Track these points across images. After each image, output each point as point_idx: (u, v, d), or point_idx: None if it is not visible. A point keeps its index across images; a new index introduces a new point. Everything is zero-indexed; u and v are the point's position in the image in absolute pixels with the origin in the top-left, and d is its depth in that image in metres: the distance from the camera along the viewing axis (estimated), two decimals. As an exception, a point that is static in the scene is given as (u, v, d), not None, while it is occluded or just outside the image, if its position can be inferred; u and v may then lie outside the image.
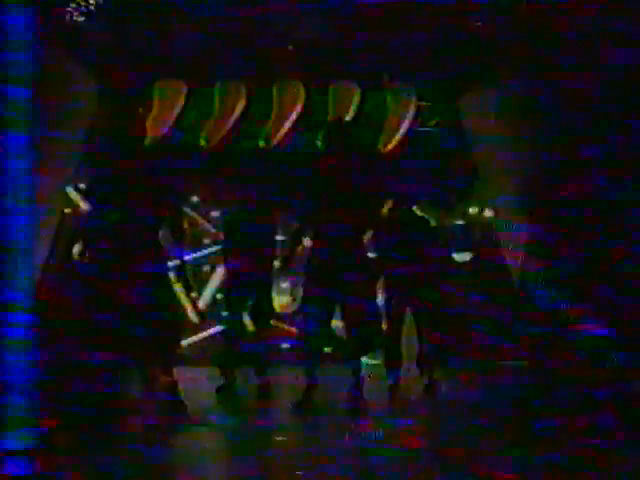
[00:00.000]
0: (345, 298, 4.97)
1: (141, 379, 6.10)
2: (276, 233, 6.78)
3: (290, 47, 9.57)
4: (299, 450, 3.94)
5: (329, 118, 9.77)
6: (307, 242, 5.24)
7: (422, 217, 7.05)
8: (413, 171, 9.77)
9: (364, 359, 5.39)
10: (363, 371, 5.14)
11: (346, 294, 4.95)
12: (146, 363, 6.06)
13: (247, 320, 6.84)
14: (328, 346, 5.20)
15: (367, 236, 5.51)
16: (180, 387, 4.89)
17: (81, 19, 8.23)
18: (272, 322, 6.85)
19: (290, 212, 5.34)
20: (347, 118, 9.79)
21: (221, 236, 6.95)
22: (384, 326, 6.61)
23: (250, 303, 6.53)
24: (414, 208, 6.70)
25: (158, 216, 4.91)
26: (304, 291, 5.14)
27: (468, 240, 10.26)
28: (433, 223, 7.35)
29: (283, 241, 7.30)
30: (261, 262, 6.44)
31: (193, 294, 10.07)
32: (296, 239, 5.26)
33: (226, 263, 6.61)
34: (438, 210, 10.20)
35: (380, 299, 6.43)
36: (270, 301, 6.67)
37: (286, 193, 5.48)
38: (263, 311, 6.55)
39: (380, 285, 6.51)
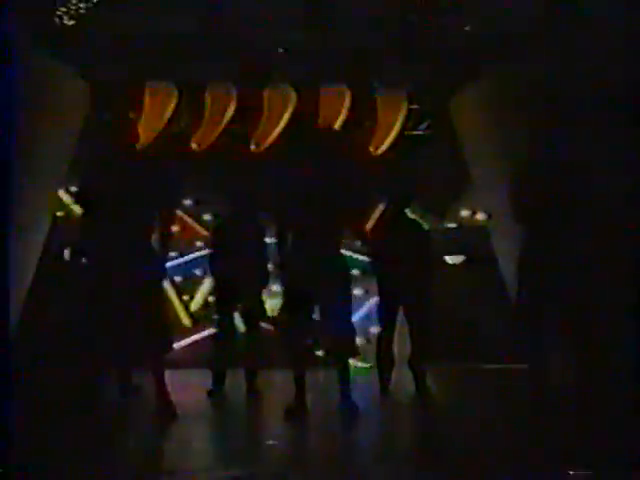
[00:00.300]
0: (322, 302, 4.97)
1: (130, 382, 6.13)
2: (266, 236, 6.77)
3: (281, 50, 9.58)
4: (291, 454, 3.93)
5: (315, 127, 9.72)
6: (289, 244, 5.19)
7: (414, 220, 7.05)
8: (405, 174, 9.79)
9: (352, 362, 5.37)
10: (351, 374, 5.11)
11: (322, 298, 4.95)
12: (137, 366, 6.09)
13: (238, 323, 6.83)
14: (311, 349, 5.15)
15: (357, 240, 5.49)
16: (170, 390, 4.87)
17: (72, 22, 8.23)
18: (263, 325, 6.84)
19: (276, 215, 5.30)
20: (334, 127, 9.79)
21: (212, 238, 6.94)
22: (378, 328, 6.63)
23: (241, 306, 6.53)
24: (406, 211, 6.70)
25: (150, 219, 4.89)
26: (283, 293, 5.13)
27: (461, 243, 10.29)
28: (425, 226, 7.36)
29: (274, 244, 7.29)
30: (252, 264, 6.45)
31: (185, 297, 10.08)
32: (282, 242, 5.23)
33: (217, 265, 6.59)
34: (430, 213, 10.24)
35: (374, 302, 6.44)
36: (261, 304, 6.66)
37: (277, 196, 5.47)
38: (254, 314, 6.55)
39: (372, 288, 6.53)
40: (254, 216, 6.76)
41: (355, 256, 8.29)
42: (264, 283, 6.65)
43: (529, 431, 4.45)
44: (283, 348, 5.11)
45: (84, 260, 4.78)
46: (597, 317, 5.56)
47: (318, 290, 4.94)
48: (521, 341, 5.64)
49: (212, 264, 6.66)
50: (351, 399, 4.93)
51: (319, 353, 7.11)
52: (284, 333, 5.14)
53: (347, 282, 5.11)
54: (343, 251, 5.24)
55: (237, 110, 10.36)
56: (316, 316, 5.09)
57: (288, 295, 5.07)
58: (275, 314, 8.46)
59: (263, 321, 6.78)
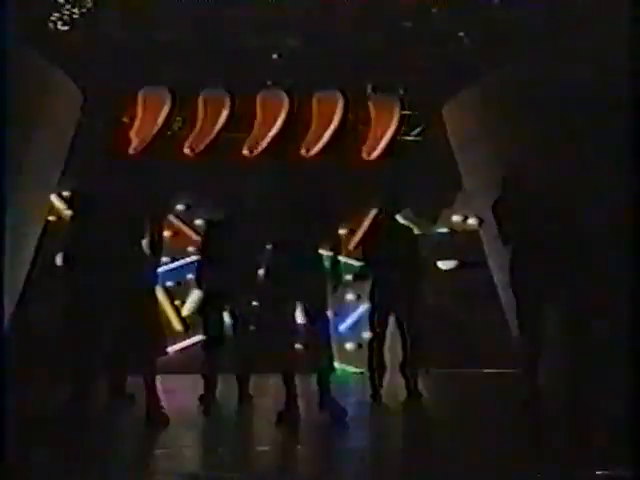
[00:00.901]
0: (302, 304, 4.99)
1: (121, 388, 6.13)
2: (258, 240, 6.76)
3: (274, 56, 9.62)
4: (282, 460, 3.94)
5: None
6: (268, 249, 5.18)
7: (406, 225, 7.08)
8: (397, 179, 9.81)
9: (339, 366, 5.35)
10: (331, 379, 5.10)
11: (303, 302, 4.97)
12: (129, 371, 6.09)
13: (228, 328, 6.82)
14: (293, 353, 5.13)
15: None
16: (162, 395, 4.88)
17: (65, 28, 8.25)
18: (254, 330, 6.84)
19: (265, 221, 5.31)
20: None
21: (203, 243, 6.94)
22: (369, 334, 6.63)
23: (231, 310, 6.53)
24: (397, 216, 6.73)
25: (141, 225, 4.89)
26: (262, 297, 5.12)
27: (453, 248, 10.32)
28: (416, 231, 7.38)
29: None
30: (244, 270, 6.46)
31: (177, 302, 10.08)
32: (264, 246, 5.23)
33: (208, 271, 6.58)
34: (422, 218, 10.26)
35: (365, 307, 6.45)
36: (252, 309, 6.66)
37: (268, 201, 5.47)
38: (245, 319, 6.55)
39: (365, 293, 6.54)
40: (246, 221, 6.77)
41: (348, 261, 8.30)
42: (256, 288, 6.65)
43: (522, 435, 4.46)
44: (263, 350, 5.12)
45: (76, 265, 4.75)
46: (591, 320, 5.60)
47: (298, 293, 4.95)
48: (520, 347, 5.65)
49: (203, 269, 6.64)
50: (336, 403, 4.93)
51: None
52: (264, 335, 5.15)
53: (325, 286, 5.12)
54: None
55: (230, 115, 10.37)
56: (297, 319, 5.09)
57: (268, 297, 5.07)
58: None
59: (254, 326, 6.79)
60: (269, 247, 5.10)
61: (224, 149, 10.36)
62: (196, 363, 6.88)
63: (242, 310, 6.52)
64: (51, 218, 9.82)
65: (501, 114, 9.03)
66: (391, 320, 6.52)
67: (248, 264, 6.50)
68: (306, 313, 5.00)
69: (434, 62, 9.41)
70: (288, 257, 4.96)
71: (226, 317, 6.61)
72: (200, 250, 6.93)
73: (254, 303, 6.70)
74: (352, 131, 10.60)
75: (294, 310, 4.99)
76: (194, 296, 9.68)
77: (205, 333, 6.54)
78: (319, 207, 5.03)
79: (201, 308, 6.82)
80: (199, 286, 6.74)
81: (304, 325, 5.05)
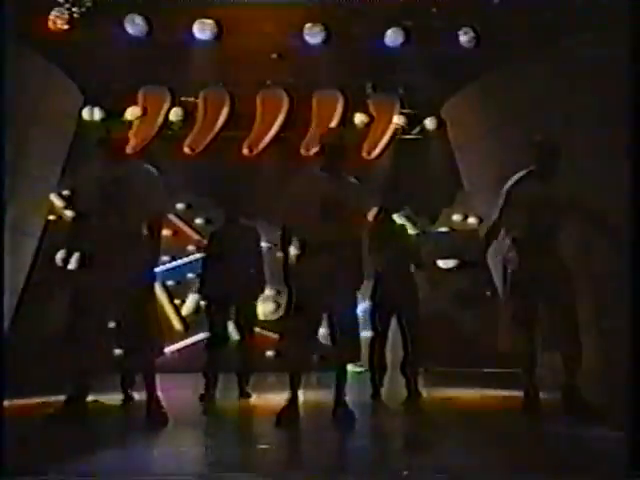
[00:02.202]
0: (330, 307, 4.91)
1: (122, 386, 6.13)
2: (260, 241, 6.77)
3: (274, 55, 9.61)
4: (283, 459, 3.93)
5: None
6: (293, 250, 5.14)
7: (404, 225, 7.08)
8: (397, 179, 9.81)
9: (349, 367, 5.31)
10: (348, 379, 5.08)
11: (331, 303, 4.89)
12: (129, 370, 6.08)
13: (231, 327, 6.83)
14: (313, 354, 5.11)
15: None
16: (162, 394, 4.87)
17: (65, 28, 8.25)
18: (256, 330, 6.85)
19: (274, 220, 5.26)
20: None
21: (205, 243, 6.95)
22: (370, 333, 6.63)
23: (234, 310, 6.53)
24: (395, 216, 6.72)
25: (140, 224, 4.89)
26: (289, 300, 5.04)
27: (453, 248, 10.32)
28: (411, 231, 7.37)
29: (269, 249, 7.28)
30: (245, 269, 6.47)
31: (177, 301, 10.08)
32: (282, 247, 5.14)
33: (209, 270, 6.59)
34: (422, 217, 10.26)
35: (365, 307, 6.45)
36: (254, 308, 6.67)
37: (270, 201, 5.46)
38: (247, 319, 6.56)
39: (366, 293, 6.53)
40: (249, 221, 6.80)
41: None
42: (259, 289, 6.66)
43: (521, 435, 4.46)
44: (287, 356, 5.07)
45: (75, 264, 4.75)
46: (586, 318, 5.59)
47: (332, 297, 4.87)
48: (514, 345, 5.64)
49: (207, 270, 6.64)
50: (346, 405, 4.92)
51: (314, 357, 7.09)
52: (291, 342, 5.05)
53: (359, 286, 5.07)
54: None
55: (230, 115, 10.37)
56: (323, 322, 5.03)
57: (297, 303, 4.96)
58: (280, 321, 8.46)
59: (256, 325, 6.82)
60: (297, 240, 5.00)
61: (224, 148, 10.36)
62: (196, 362, 6.89)
63: (246, 311, 6.54)
64: (51, 218, 9.82)
65: (501, 113, 9.02)
66: (392, 319, 6.52)
67: (253, 264, 6.53)
68: (333, 315, 4.94)
69: (434, 62, 9.39)
70: (309, 256, 4.90)
71: (229, 317, 6.62)
72: (204, 250, 6.94)
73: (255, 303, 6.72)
74: (352, 130, 10.60)
75: (319, 313, 4.92)
76: (194, 296, 9.68)
77: (210, 331, 6.55)
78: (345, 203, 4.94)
79: (206, 307, 6.82)
80: (201, 288, 6.74)
81: (328, 326, 5.00)
